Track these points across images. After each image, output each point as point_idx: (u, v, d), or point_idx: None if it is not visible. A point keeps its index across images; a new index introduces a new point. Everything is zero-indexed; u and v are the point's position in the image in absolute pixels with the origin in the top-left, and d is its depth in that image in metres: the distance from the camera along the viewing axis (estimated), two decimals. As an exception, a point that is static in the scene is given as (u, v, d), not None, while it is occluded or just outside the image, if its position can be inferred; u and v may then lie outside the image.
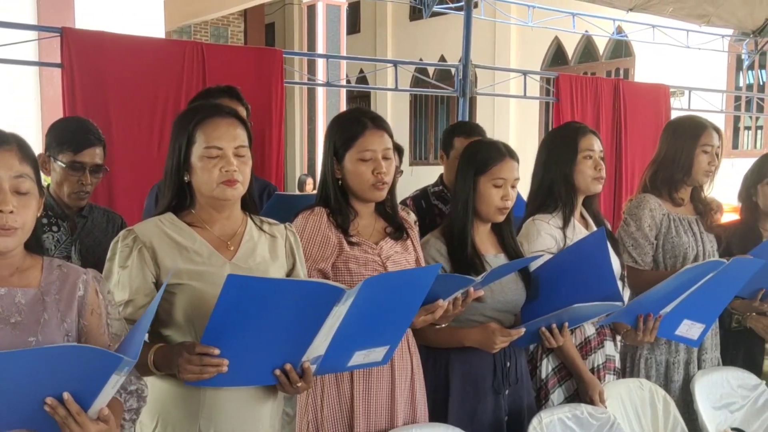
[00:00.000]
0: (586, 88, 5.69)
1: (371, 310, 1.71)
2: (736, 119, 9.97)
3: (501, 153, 2.35)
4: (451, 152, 3.21)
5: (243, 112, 2.71)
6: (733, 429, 2.82)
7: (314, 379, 2.10)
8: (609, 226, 2.79)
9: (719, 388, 2.87)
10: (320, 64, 7.31)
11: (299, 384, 1.73)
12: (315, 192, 2.27)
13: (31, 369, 1.32)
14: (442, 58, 12.19)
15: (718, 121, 9.39)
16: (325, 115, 9.59)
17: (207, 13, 11.40)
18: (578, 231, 2.58)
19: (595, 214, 2.72)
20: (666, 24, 6.99)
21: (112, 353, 1.40)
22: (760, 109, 8.75)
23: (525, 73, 5.63)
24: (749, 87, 10.00)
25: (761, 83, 9.96)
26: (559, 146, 2.62)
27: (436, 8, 6.16)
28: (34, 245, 1.59)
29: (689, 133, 2.84)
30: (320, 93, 8.91)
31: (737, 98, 9.04)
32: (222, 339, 1.60)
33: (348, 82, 10.82)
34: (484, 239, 2.42)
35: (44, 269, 1.58)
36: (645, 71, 10.18)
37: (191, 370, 1.61)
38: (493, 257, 2.40)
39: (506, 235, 2.45)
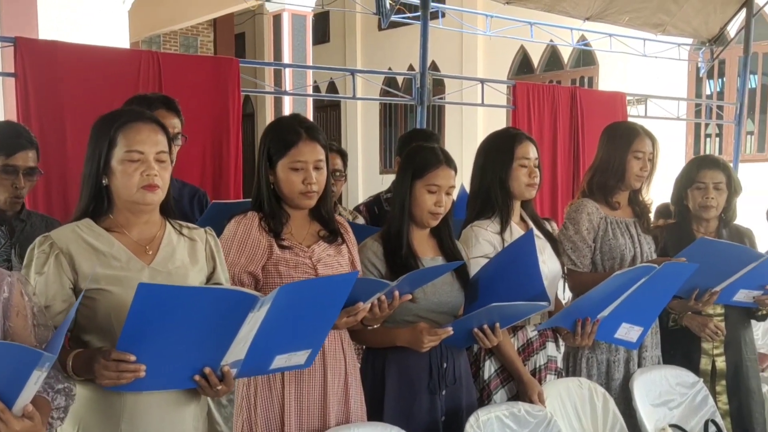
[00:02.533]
0: (543, 96, 5.76)
1: (289, 316, 1.75)
2: (698, 127, 10.14)
3: (438, 159, 2.39)
4: None
5: (178, 124, 2.74)
6: (671, 426, 2.88)
7: (248, 380, 2.14)
8: (550, 227, 2.85)
9: (658, 386, 2.92)
10: (287, 73, 7.35)
11: (219, 387, 1.75)
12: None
13: None
14: (411, 68, 12.24)
15: (679, 128, 9.61)
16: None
17: (174, 24, 11.37)
18: (516, 234, 2.62)
19: (533, 216, 2.77)
20: (624, 33, 7.12)
21: (31, 348, 1.43)
22: (719, 116, 8.91)
23: (482, 81, 5.71)
24: (712, 96, 10.18)
25: (719, 91, 10.15)
26: (496, 152, 2.66)
27: (398, 18, 6.23)
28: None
29: (622, 140, 2.91)
30: (287, 102, 8.97)
31: (698, 105, 9.20)
32: (138, 345, 1.62)
33: (317, 90, 10.85)
34: (422, 242, 2.46)
35: None
36: (608, 80, 10.34)
37: (108, 376, 1.63)
38: (431, 260, 2.44)
39: (445, 238, 2.50)
